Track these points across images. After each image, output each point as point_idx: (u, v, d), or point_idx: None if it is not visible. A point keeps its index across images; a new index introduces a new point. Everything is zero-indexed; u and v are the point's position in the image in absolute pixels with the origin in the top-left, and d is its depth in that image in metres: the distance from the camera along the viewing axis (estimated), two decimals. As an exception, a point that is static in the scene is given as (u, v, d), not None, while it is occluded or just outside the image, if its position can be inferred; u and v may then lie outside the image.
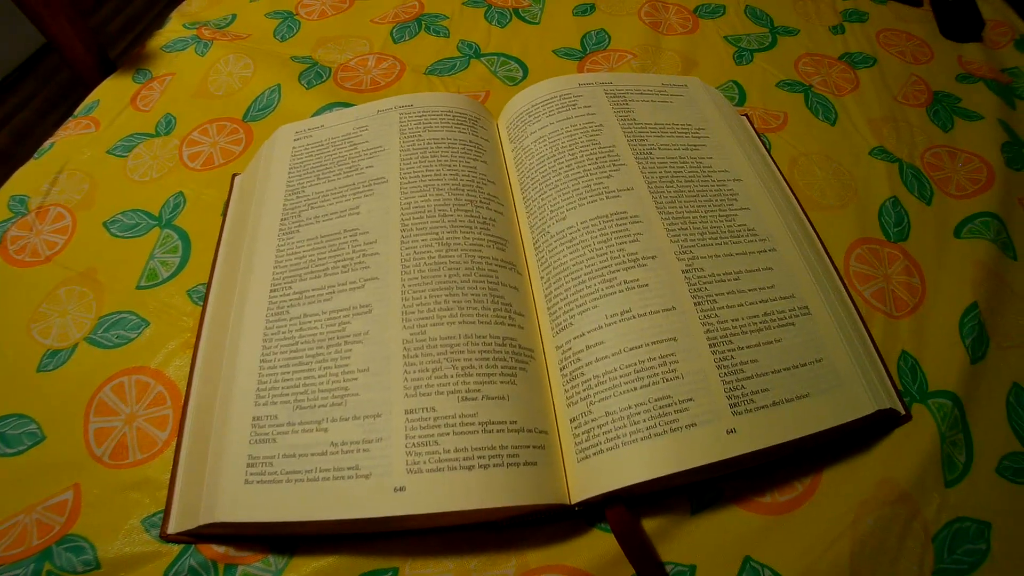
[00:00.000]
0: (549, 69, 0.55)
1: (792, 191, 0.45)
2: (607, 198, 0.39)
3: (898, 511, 0.34)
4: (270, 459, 0.30)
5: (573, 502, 0.31)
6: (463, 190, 0.40)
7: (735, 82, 0.53)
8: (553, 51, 0.56)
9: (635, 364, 0.33)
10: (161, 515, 0.33)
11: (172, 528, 0.32)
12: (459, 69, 0.55)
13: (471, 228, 0.38)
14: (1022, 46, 0.57)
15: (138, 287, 0.41)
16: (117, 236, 0.44)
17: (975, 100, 0.52)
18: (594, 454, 0.31)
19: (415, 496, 0.29)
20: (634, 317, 0.34)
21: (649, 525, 0.33)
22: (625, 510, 0.32)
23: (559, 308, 0.36)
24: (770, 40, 0.57)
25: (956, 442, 0.36)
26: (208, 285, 0.41)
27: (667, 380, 0.32)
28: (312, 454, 0.30)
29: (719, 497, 0.34)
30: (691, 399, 0.32)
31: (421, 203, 0.39)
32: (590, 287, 0.35)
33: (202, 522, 0.30)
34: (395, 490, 0.29)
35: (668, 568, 0.32)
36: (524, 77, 0.54)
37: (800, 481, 0.35)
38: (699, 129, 0.44)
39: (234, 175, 0.46)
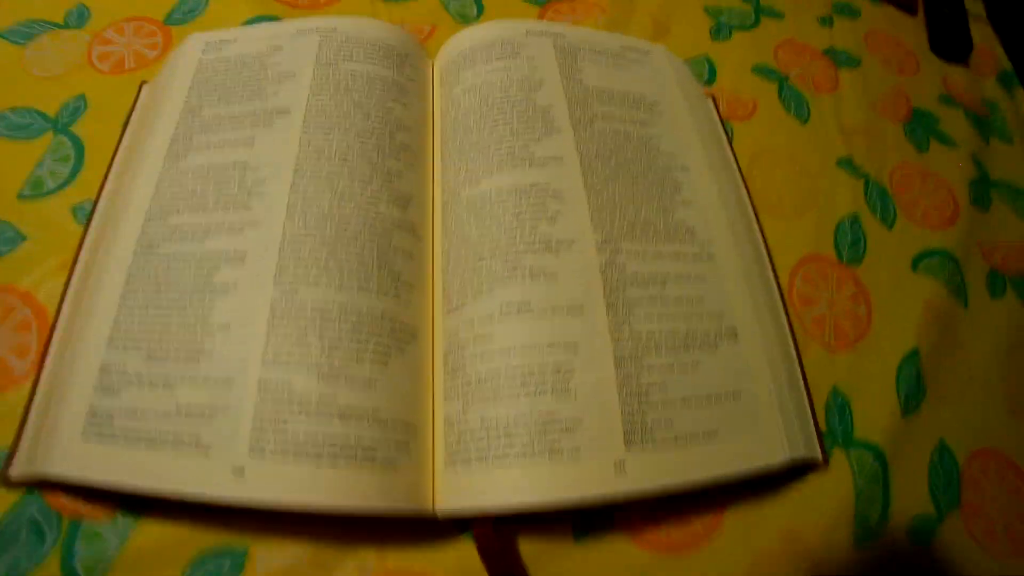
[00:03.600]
0: (508, 10, 0.45)
1: (748, 191, 0.37)
2: (529, 166, 0.30)
3: (799, 567, 0.28)
4: (111, 414, 0.25)
5: (436, 510, 0.25)
6: (372, 135, 0.31)
7: (707, 58, 0.44)
8: (516, -10, 0.45)
9: (523, 367, 0.26)
10: (6, 455, 0.26)
11: (16, 472, 0.25)
12: (410, -4, 0.44)
13: (371, 179, 0.30)
14: (1004, 80, 0.48)
15: (19, 196, 0.33)
16: (3, 135, 0.35)
17: (953, 126, 0.44)
18: (462, 462, 0.25)
19: (254, 482, 0.23)
20: (532, 312, 0.27)
21: (525, 546, 0.27)
22: (492, 531, 0.25)
23: (454, 286, 0.28)
24: (753, 19, 0.48)
25: (873, 498, 0.29)
26: (94, 204, 0.33)
27: (557, 393, 0.25)
28: (154, 414, 0.25)
29: (608, 524, 0.28)
30: (581, 420, 0.25)
31: (322, 144, 0.30)
32: (490, 267, 0.28)
33: (34, 473, 0.25)
34: (233, 471, 0.24)
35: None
36: (478, 15, 0.44)
37: (700, 518, 0.28)
38: (653, 104, 0.35)
39: (142, 83, 0.37)
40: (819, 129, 0.41)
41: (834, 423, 0.31)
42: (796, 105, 0.42)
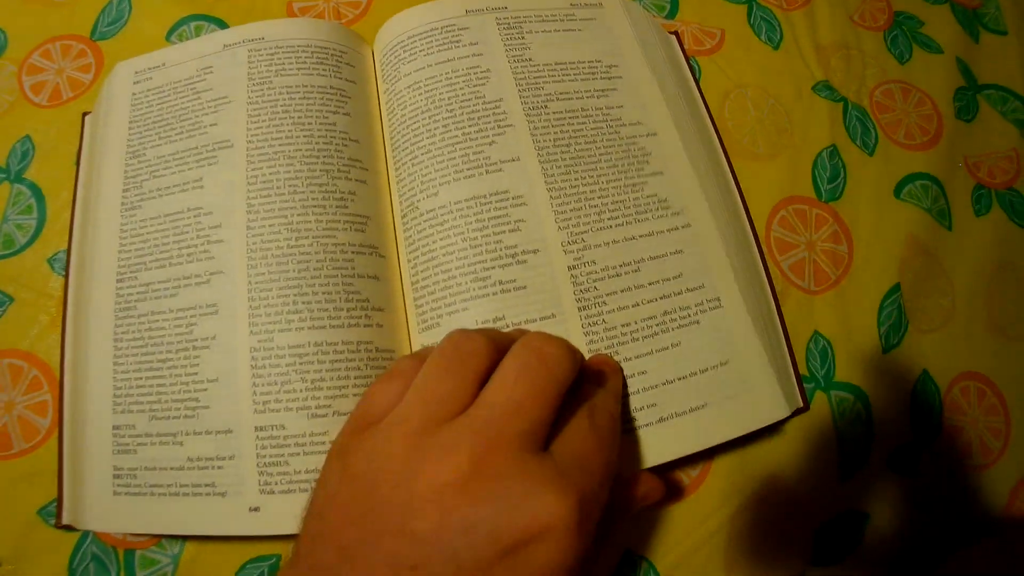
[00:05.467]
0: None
1: (719, 136, 0.34)
2: (487, 172, 0.28)
3: (780, 511, 0.29)
4: (133, 471, 0.26)
5: None
6: (318, 157, 0.29)
7: (669, -13, 0.39)
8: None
9: None
10: (55, 503, 0.28)
11: (66, 519, 0.27)
12: (341, -39, 0.39)
13: (325, 208, 0.28)
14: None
15: None
16: (-42, 194, 0.33)
17: (937, 27, 0.39)
18: None
19: (269, 517, 0.25)
20: (508, 326, 0.26)
21: None
22: None
23: (426, 304, 0.28)
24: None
25: (856, 437, 0.30)
26: (68, 252, 0.32)
27: None
28: (171, 468, 0.26)
29: None
30: None
31: (269, 176, 0.29)
32: (461, 285, 0.27)
33: (78, 527, 0.27)
34: (250, 510, 0.25)
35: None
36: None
37: (688, 473, 0.29)
38: (611, 67, 0.32)
39: (84, 114, 0.35)
40: (792, 53, 0.38)
41: (815, 367, 0.31)
42: (767, 28, 0.38)
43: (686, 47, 0.37)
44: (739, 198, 0.33)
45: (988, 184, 0.36)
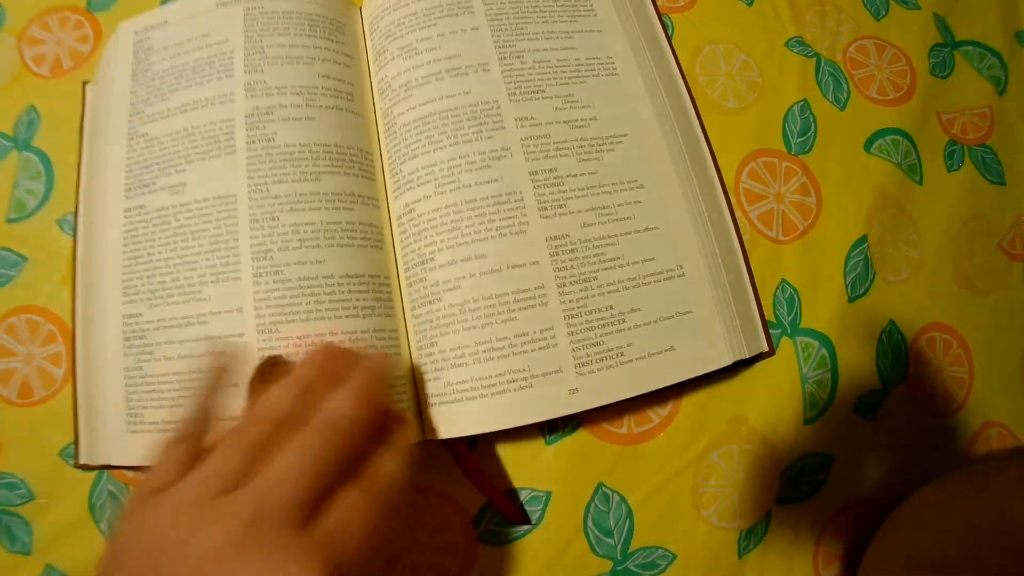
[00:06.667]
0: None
1: (689, 91, 0.34)
2: (475, 139, 0.30)
3: (747, 448, 0.30)
4: (143, 410, 0.28)
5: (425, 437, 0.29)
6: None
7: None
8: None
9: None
10: (73, 446, 0.30)
11: (83, 459, 0.30)
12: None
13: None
14: None
15: (9, 220, 0.34)
16: (-28, 164, 0.35)
17: None
18: (436, 398, 0.28)
19: None
20: (483, 258, 0.28)
21: (503, 451, 0.30)
22: (466, 449, 0.29)
23: (410, 252, 0.30)
24: None
25: (822, 381, 0.31)
26: (76, 213, 0.33)
27: (516, 354, 0.27)
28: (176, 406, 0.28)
29: (575, 427, 0.31)
30: (528, 366, 0.27)
31: (267, 109, 0.31)
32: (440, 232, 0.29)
33: (93, 464, 0.29)
34: None
35: (524, 493, 0.30)
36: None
37: (657, 412, 0.31)
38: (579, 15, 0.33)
39: (84, 83, 0.36)
40: (766, 9, 0.38)
41: (782, 314, 0.32)
42: (741, -15, 0.38)
43: (659, 4, 0.37)
44: (708, 150, 0.33)
45: (961, 140, 0.36)
